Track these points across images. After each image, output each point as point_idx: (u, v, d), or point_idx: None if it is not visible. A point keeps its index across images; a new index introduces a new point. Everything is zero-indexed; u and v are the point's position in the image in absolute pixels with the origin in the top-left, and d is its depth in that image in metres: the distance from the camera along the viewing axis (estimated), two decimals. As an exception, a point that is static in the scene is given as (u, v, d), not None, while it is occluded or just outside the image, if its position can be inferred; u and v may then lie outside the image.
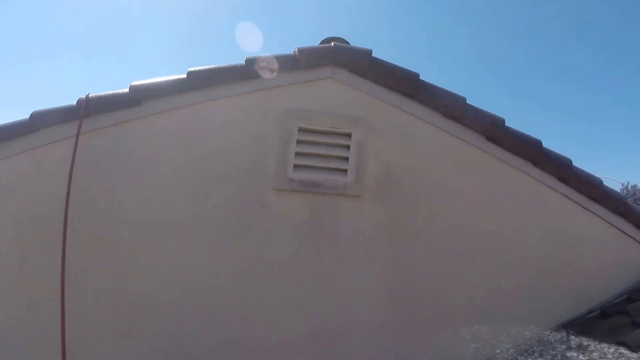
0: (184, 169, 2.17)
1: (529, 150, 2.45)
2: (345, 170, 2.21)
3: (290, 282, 2.19)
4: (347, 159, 2.21)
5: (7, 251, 2.20)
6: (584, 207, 2.52)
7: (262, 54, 2.23)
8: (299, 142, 2.19)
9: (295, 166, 2.18)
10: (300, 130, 2.19)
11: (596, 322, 2.41)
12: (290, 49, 2.27)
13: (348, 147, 2.22)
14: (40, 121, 2.31)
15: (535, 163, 2.47)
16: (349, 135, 2.22)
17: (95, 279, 2.17)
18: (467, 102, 2.38)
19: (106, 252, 2.18)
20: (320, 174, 2.20)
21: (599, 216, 2.53)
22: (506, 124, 2.43)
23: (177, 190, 2.16)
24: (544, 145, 2.49)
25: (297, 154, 2.18)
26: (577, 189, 2.50)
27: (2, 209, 2.26)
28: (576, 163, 2.52)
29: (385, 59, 2.37)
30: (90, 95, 2.30)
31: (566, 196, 2.50)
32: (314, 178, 2.19)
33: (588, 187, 2.50)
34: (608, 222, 2.54)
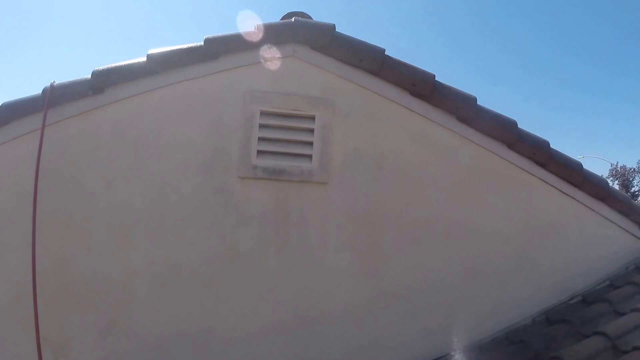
0: (149, 159, 2.14)
1: (504, 132, 2.36)
2: (309, 156, 2.16)
3: (258, 272, 2.18)
4: (311, 143, 2.15)
5: None
6: (562, 191, 2.44)
7: (221, 33, 2.19)
8: (261, 126, 2.13)
9: (259, 152, 2.13)
10: (262, 113, 2.13)
11: (577, 309, 2.38)
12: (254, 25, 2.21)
13: (312, 130, 2.16)
14: (9, 113, 2.30)
15: (510, 145, 2.38)
16: (312, 118, 2.16)
17: (70, 274, 2.17)
18: (436, 79, 2.28)
19: (79, 246, 2.17)
20: (284, 160, 2.16)
21: (579, 201, 2.47)
22: (478, 102, 2.35)
23: (143, 181, 2.14)
24: (520, 126, 2.41)
25: (260, 139, 2.13)
26: (555, 173, 2.42)
27: None
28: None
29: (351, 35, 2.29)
30: (55, 84, 2.29)
31: (544, 180, 2.42)
32: (278, 164, 2.14)
33: (566, 171, 2.42)
34: (588, 207, 2.48)
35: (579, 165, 2.47)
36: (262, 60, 2.16)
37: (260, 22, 2.19)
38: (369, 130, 2.23)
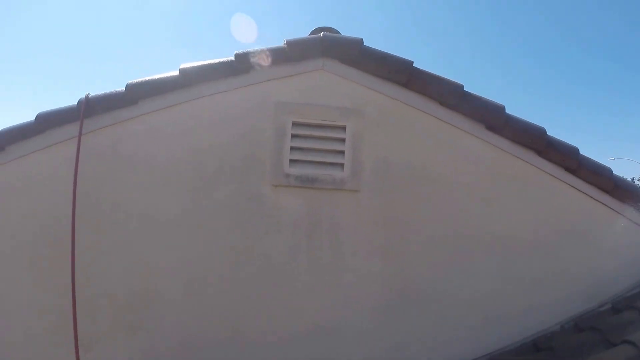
0: (182, 166, 2.20)
1: (532, 139, 2.36)
2: (341, 164, 2.20)
3: (289, 277, 2.22)
4: (343, 152, 2.19)
5: (18, 249, 2.30)
6: (593, 197, 2.42)
7: (253, 48, 2.23)
8: (293, 136, 2.18)
9: (292, 161, 2.18)
10: (294, 124, 2.18)
11: (606, 317, 2.35)
12: (283, 40, 2.24)
13: (343, 140, 2.20)
14: (45, 122, 2.38)
15: (539, 152, 2.38)
16: (343, 128, 2.20)
17: (104, 275, 2.25)
18: (465, 89, 2.30)
19: (112, 248, 2.25)
20: (317, 169, 2.20)
21: (609, 207, 2.44)
22: (507, 111, 2.35)
23: (177, 188, 2.20)
24: (550, 133, 2.40)
25: (293, 148, 2.18)
26: (585, 179, 2.41)
27: (13, 208, 2.36)
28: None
29: (378, 48, 2.32)
30: (90, 96, 2.36)
31: (574, 187, 2.42)
32: (310, 173, 2.18)
33: (596, 176, 2.40)
34: (619, 213, 2.45)
35: (609, 171, 2.46)
36: (293, 74, 2.20)
37: (285, 39, 2.24)
38: (398, 139, 2.26)
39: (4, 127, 2.51)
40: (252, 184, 2.19)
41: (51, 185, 2.32)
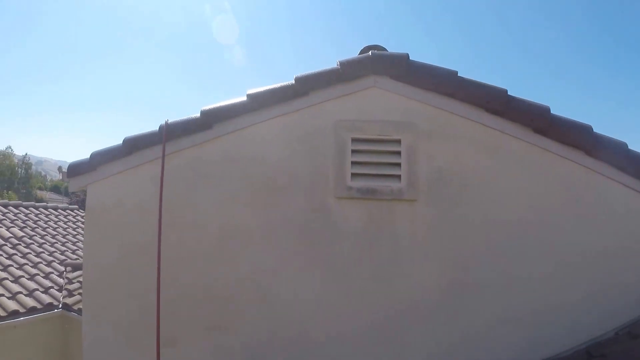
0: (254, 183, 2.46)
1: (580, 139, 2.38)
2: (398, 176, 2.37)
3: (352, 282, 2.42)
4: (399, 164, 2.37)
5: (109, 258, 2.65)
6: None
7: (310, 71, 2.44)
8: (353, 151, 2.38)
9: (353, 175, 2.38)
10: (354, 140, 2.38)
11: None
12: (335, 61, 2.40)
13: (399, 152, 2.37)
14: (131, 146, 2.74)
15: (588, 152, 2.40)
16: (398, 142, 2.37)
17: (186, 281, 2.56)
18: (508, 93, 2.37)
19: (193, 257, 2.55)
20: (376, 181, 2.38)
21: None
22: (552, 112, 2.37)
23: (250, 202, 2.47)
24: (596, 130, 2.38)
25: (353, 163, 2.38)
26: (636, 175, 2.38)
27: (104, 221, 2.74)
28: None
29: (425, 61, 2.45)
30: (169, 122, 2.68)
31: (627, 185, 2.40)
32: (370, 185, 2.38)
33: None
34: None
35: None
36: (348, 92, 2.40)
37: (338, 60, 2.42)
38: (450, 149, 2.40)
39: (96, 150, 2.89)
40: (318, 197, 2.42)
41: (137, 201, 2.67)
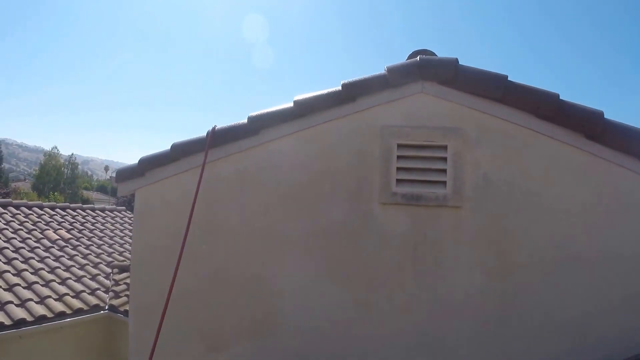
0: (301, 188, 2.51)
1: (635, 145, 2.30)
2: (444, 182, 2.36)
3: (397, 287, 2.42)
4: (445, 170, 2.36)
5: (155, 257, 2.76)
6: None
7: (356, 77, 2.47)
8: (399, 157, 2.39)
9: (398, 181, 2.39)
10: (399, 146, 2.39)
11: None
12: (386, 63, 2.40)
13: (445, 159, 2.36)
14: (179, 151, 2.84)
15: None
16: (444, 148, 2.36)
17: (229, 280, 2.64)
18: (560, 98, 2.32)
19: (238, 257, 2.63)
20: (421, 187, 2.38)
21: None
22: (606, 116, 2.30)
23: (296, 207, 2.51)
24: None
25: (399, 169, 2.39)
26: None
27: (152, 223, 2.86)
28: None
29: (474, 65, 2.45)
30: (216, 128, 2.77)
31: None
32: (415, 191, 2.38)
33: None
34: None
35: None
36: (395, 98, 2.41)
37: (385, 65, 2.44)
38: (497, 155, 2.36)
39: (144, 156, 3.02)
40: (363, 203, 2.43)
41: (184, 206, 2.77)
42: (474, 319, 2.37)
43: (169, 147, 2.89)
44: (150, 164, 2.95)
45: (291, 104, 2.52)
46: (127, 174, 3.06)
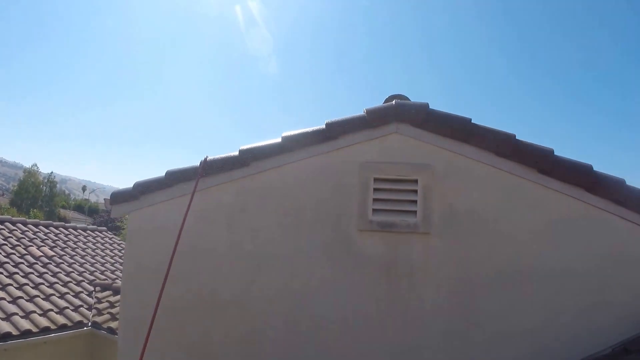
0: (287, 215, 2.77)
1: (581, 177, 2.61)
2: (414, 212, 2.66)
3: (372, 303, 2.69)
4: (415, 201, 2.66)
5: (144, 278, 2.94)
6: None
7: (339, 117, 2.76)
8: (375, 189, 2.68)
9: (374, 210, 2.68)
10: (376, 179, 2.68)
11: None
12: (367, 104, 2.69)
13: (416, 191, 2.66)
14: (173, 178, 3.05)
15: (588, 189, 2.62)
16: (415, 181, 2.66)
17: (218, 300, 2.85)
18: (516, 138, 2.65)
19: (231, 277, 2.84)
20: (394, 216, 2.68)
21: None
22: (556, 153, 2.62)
23: (282, 231, 2.77)
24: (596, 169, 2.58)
25: (375, 199, 2.68)
26: (633, 209, 2.59)
27: (142, 246, 3.04)
28: None
29: (443, 109, 2.76)
30: (208, 158, 2.99)
31: (623, 217, 2.61)
32: (389, 219, 2.67)
33: None
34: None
35: None
36: (372, 137, 2.70)
37: (365, 108, 2.74)
38: (462, 188, 2.68)
39: (139, 180, 3.21)
40: (343, 229, 2.71)
41: (174, 229, 2.95)
42: (442, 331, 2.65)
43: (164, 174, 3.10)
44: (144, 188, 3.14)
45: (279, 139, 2.78)
46: (121, 197, 3.24)
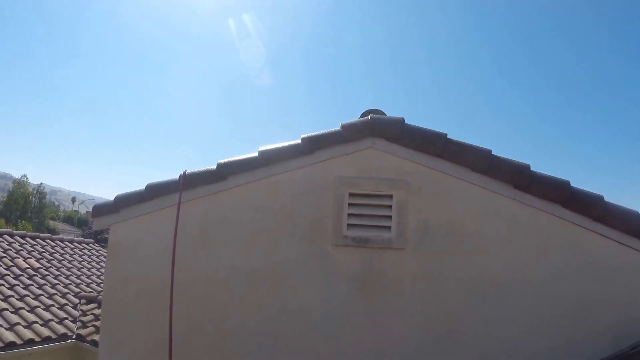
0: (262, 229, 2.77)
1: (557, 193, 2.60)
2: (389, 227, 2.66)
3: (347, 318, 2.68)
4: (390, 217, 2.66)
5: (128, 292, 2.93)
6: (621, 242, 2.58)
7: (315, 132, 2.78)
8: (350, 204, 2.69)
9: (349, 225, 2.68)
10: (351, 194, 2.69)
11: (636, 358, 2.41)
12: (342, 119, 2.72)
13: (390, 206, 2.67)
14: (153, 192, 3.06)
15: (565, 205, 2.62)
16: (390, 197, 2.67)
17: (197, 320, 2.83)
18: (492, 153, 2.66)
19: (205, 297, 2.83)
20: (369, 231, 2.68)
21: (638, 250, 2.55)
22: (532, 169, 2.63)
23: (258, 245, 2.77)
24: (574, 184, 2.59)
25: (350, 215, 2.68)
26: (613, 226, 2.58)
27: (124, 260, 3.04)
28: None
29: (419, 123, 2.78)
30: (187, 172, 3.01)
31: (601, 234, 2.59)
32: (364, 234, 2.67)
33: (623, 222, 2.55)
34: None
35: (637, 214, 2.55)
36: (348, 152, 2.72)
37: (340, 123, 2.76)
38: (437, 204, 2.69)
39: (120, 194, 3.22)
40: (318, 244, 2.71)
41: (156, 242, 2.97)
42: (417, 344, 2.63)
43: (144, 187, 3.11)
44: (125, 202, 3.15)
45: (256, 154, 2.80)
46: (103, 209, 3.24)
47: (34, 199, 50.23)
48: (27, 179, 52.56)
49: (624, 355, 2.50)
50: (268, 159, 2.77)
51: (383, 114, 3.08)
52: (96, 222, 3.35)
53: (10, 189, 49.99)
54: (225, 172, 2.84)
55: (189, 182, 2.96)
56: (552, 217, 2.66)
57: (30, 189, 51.11)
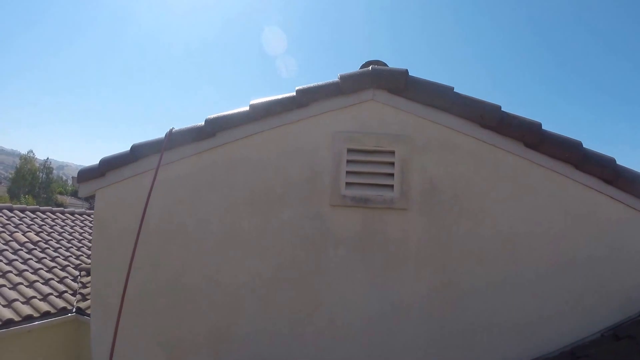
0: (254, 189, 2.57)
1: (569, 153, 2.45)
2: (391, 186, 2.46)
3: (346, 283, 2.51)
4: (392, 175, 2.46)
5: (115, 257, 2.76)
6: (632, 207, 2.46)
7: (310, 84, 2.56)
8: (348, 161, 2.48)
9: (347, 184, 2.48)
10: (349, 150, 2.48)
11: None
12: (340, 71, 2.52)
13: (393, 164, 2.46)
14: (138, 152, 2.86)
15: (577, 166, 2.47)
16: (392, 153, 2.46)
17: (185, 283, 2.66)
18: (502, 109, 2.46)
19: (196, 258, 2.67)
20: (369, 190, 2.48)
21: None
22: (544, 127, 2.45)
23: (250, 208, 2.57)
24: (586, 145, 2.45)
25: (348, 172, 2.48)
26: (624, 189, 2.45)
27: (110, 224, 2.86)
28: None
29: (424, 77, 2.56)
30: (173, 130, 2.80)
31: (612, 197, 2.47)
32: (364, 194, 2.47)
33: (635, 186, 2.43)
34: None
35: None
36: (346, 105, 2.50)
37: (339, 74, 2.53)
38: (443, 161, 2.48)
39: (104, 157, 3.02)
40: (314, 205, 2.51)
41: (141, 207, 2.77)
42: (422, 316, 2.48)
43: (129, 148, 2.91)
44: (110, 165, 2.95)
45: (247, 108, 2.59)
46: (88, 174, 3.05)
47: (41, 174, 49.98)
48: (33, 154, 52.23)
49: (632, 321, 2.41)
50: (259, 113, 2.56)
51: (385, 65, 2.84)
52: (82, 188, 3.16)
53: (18, 166, 49.73)
54: (214, 128, 2.63)
55: (175, 140, 2.76)
56: (564, 178, 2.51)
57: (37, 165, 50.80)
